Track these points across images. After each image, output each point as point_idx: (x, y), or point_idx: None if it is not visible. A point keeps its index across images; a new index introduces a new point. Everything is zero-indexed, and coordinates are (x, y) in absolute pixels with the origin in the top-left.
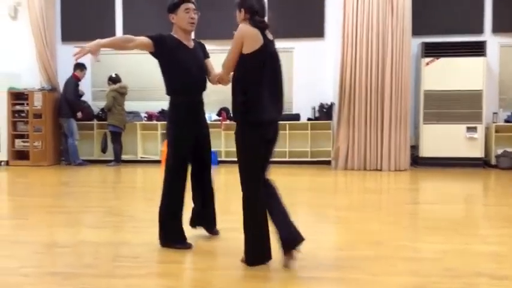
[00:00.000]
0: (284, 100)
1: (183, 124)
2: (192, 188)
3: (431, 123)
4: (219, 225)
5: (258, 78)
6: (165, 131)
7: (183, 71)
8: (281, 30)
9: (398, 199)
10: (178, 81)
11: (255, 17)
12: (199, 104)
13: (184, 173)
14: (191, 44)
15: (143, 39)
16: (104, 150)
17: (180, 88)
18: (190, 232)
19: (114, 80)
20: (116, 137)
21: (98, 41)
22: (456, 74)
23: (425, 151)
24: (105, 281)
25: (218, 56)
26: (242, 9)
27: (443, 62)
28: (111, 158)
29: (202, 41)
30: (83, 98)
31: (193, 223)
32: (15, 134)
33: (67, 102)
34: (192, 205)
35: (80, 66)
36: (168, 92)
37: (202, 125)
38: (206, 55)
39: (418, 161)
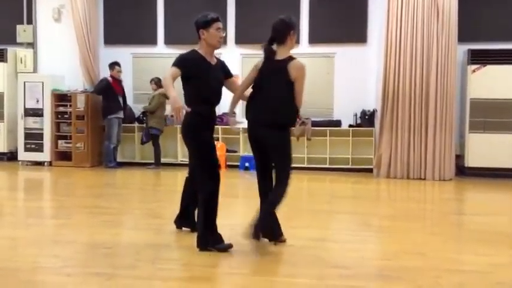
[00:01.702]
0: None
1: (199, 130)
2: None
3: (477, 132)
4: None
5: None
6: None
7: (204, 84)
8: (323, 35)
9: (443, 209)
10: (199, 93)
11: None
12: (213, 114)
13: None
14: (213, 61)
15: (173, 71)
16: (144, 142)
17: (200, 99)
18: (229, 239)
19: (159, 84)
20: (156, 139)
21: (172, 96)
22: (503, 82)
23: (471, 161)
24: (147, 283)
25: None
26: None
27: (490, 69)
28: (152, 161)
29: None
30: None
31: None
32: (58, 135)
33: (104, 103)
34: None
35: (110, 65)
36: (186, 102)
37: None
38: (229, 74)
39: (463, 171)
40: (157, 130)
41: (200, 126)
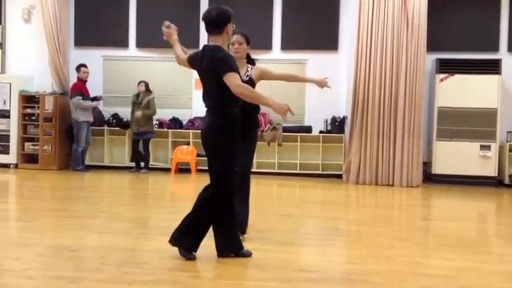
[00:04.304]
0: None
1: (236, 135)
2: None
3: (444, 140)
4: None
5: None
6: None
7: None
8: (295, 42)
9: (410, 215)
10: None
11: None
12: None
13: None
14: None
15: (239, 77)
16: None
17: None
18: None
19: (148, 87)
20: (148, 143)
21: (271, 101)
22: (471, 92)
23: (438, 168)
24: (111, 287)
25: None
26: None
27: (458, 78)
28: (121, 164)
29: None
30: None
31: None
32: (25, 137)
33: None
34: None
35: (76, 68)
36: (226, 106)
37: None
38: None
39: (430, 178)
40: (152, 133)
41: (231, 132)
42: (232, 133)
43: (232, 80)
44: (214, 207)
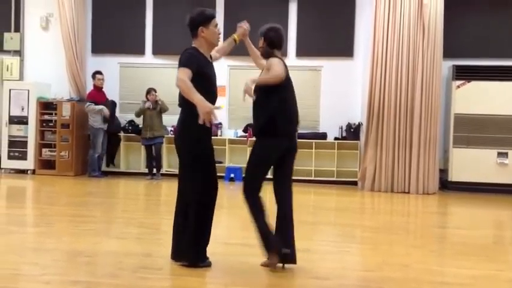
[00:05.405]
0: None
1: (201, 135)
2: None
3: (461, 147)
4: (240, 241)
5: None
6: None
7: (209, 84)
8: (310, 49)
9: (426, 223)
10: (203, 94)
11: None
12: None
13: None
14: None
15: (187, 73)
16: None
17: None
18: (212, 248)
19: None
20: (160, 149)
21: (199, 99)
22: (488, 98)
23: (455, 175)
24: None
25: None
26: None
27: (475, 85)
28: (137, 170)
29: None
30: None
31: None
32: (42, 143)
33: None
34: None
35: (92, 75)
36: (186, 103)
37: None
38: None
39: (447, 185)
40: (163, 138)
41: (202, 130)
42: (200, 131)
43: (179, 74)
44: (196, 209)
